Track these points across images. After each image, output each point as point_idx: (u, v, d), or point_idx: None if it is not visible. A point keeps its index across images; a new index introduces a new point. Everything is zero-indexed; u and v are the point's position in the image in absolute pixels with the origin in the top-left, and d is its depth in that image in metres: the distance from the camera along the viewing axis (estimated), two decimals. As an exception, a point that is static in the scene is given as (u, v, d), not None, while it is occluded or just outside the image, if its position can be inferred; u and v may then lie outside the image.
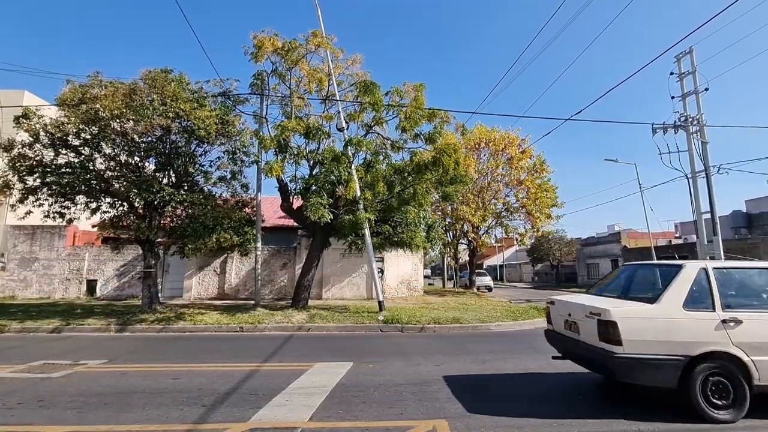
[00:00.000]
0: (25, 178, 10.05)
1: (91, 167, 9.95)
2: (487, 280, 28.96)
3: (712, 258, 16.82)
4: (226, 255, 16.64)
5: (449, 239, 25.42)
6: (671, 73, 17.19)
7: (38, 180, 9.99)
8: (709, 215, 16.81)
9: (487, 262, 56.29)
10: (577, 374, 5.06)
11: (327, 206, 10.34)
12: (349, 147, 11.25)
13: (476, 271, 28.82)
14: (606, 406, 3.93)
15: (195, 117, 9.77)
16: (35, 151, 10.02)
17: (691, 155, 17.16)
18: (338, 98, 12.15)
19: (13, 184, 10.30)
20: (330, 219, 10.37)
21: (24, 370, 5.28)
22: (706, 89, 16.14)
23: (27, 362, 5.73)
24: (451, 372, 5.21)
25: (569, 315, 4.40)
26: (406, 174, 11.69)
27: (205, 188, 11.64)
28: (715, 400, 3.57)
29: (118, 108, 9.28)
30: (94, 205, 10.83)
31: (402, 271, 18.35)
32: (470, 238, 25.53)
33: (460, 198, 19.47)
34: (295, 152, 11.53)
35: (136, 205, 10.86)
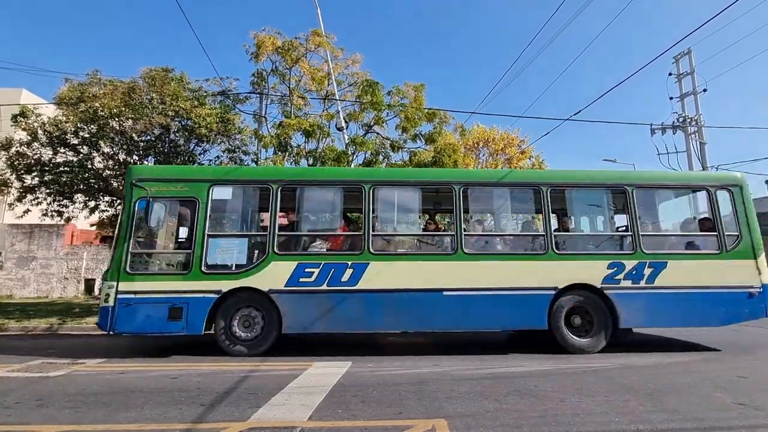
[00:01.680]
0: (23, 176, 10.03)
1: (90, 166, 9.93)
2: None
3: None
4: (225, 254, 16.60)
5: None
6: (670, 74, 17.25)
7: (36, 179, 9.97)
8: (707, 216, 16.86)
9: (486, 262, 56.17)
10: (576, 373, 5.07)
11: (326, 206, 10.32)
12: (350, 147, 11.28)
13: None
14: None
15: (196, 115, 9.77)
16: (33, 150, 10.00)
17: (689, 156, 17.20)
18: (338, 98, 12.16)
19: (11, 183, 10.28)
20: (329, 218, 10.35)
21: (22, 369, 5.26)
22: (705, 90, 16.23)
23: (25, 361, 5.71)
24: (450, 371, 5.21)
25: None
26: (405, 174, 11.68)
27: (204, 187, 11.60)
28: None
29: (116, 106, 9.27)
30: (92, 204, 10.82)
31: (401, 270, 18.33)
32: (469, 238, 25.51)
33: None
34: (295, 151, 11.54)
35: (135, 204, 10.82)
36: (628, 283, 6.28)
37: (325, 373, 5.08)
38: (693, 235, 7.08)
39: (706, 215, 6.87)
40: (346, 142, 11.49)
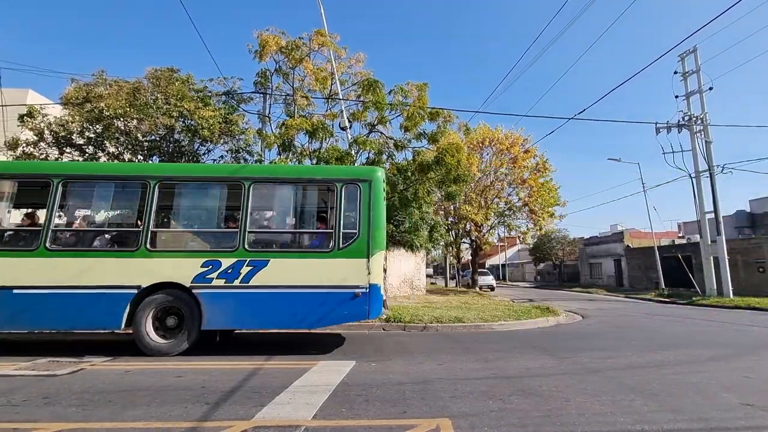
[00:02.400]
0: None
1: (95, 166, 10.00)
2: (490, 280, 28.88)
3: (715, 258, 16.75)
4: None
5: (452, 238, 25.43)
6: (675, 72, 17.11)
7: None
8: (712, 215, 16.79)
9: (490, 262, 56.27)
10: (579, 373, 5.06)
11: (329, 205, 10.36)
12: (353, 146, 11.30)
13: (479, 270, 28.78)
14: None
15: (199, 117, 9.82)
16: (40, 150, 10.09)
17: (694, 154, 17.07)
18: (341, 97, 12.18)
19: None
20: (332, 218, 10.39)
21: (29, 368, 5.31)
22: (711, 88, 16.09)
23: (32, 360, 5.76)
24: (454, 371, 5.22)
25: None
26: (409, 173, 11.70)
27: (208, 187, 11.67)
28: None
29: (122, 107, 9.34)
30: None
31: (404, 270, 18.37)
32: (473, 237, 25.53)
33: (463, 197, 19.50)
34: (299, 151, 11.57)
35: (140, 203, 10.92)
36: (220, 282, 5.99)
37: (329, 372, 5.09)
38: (303, 232, 6.78)
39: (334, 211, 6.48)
40: (350, 141, 11.52)
